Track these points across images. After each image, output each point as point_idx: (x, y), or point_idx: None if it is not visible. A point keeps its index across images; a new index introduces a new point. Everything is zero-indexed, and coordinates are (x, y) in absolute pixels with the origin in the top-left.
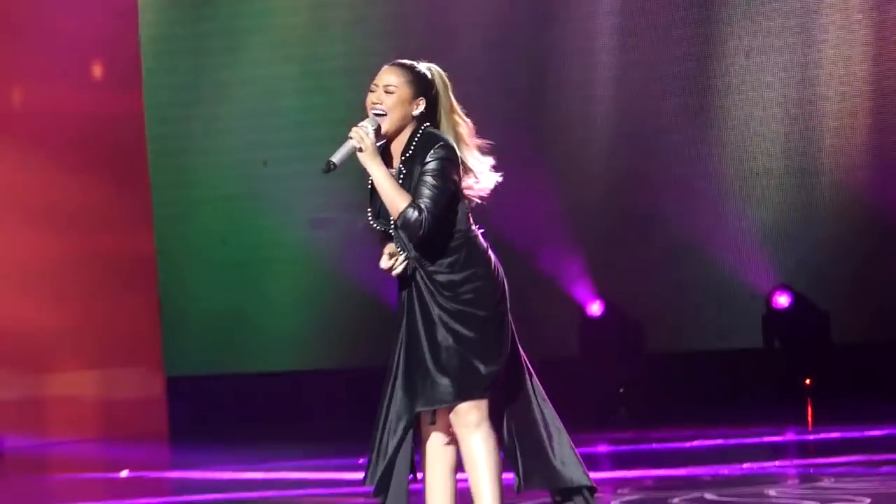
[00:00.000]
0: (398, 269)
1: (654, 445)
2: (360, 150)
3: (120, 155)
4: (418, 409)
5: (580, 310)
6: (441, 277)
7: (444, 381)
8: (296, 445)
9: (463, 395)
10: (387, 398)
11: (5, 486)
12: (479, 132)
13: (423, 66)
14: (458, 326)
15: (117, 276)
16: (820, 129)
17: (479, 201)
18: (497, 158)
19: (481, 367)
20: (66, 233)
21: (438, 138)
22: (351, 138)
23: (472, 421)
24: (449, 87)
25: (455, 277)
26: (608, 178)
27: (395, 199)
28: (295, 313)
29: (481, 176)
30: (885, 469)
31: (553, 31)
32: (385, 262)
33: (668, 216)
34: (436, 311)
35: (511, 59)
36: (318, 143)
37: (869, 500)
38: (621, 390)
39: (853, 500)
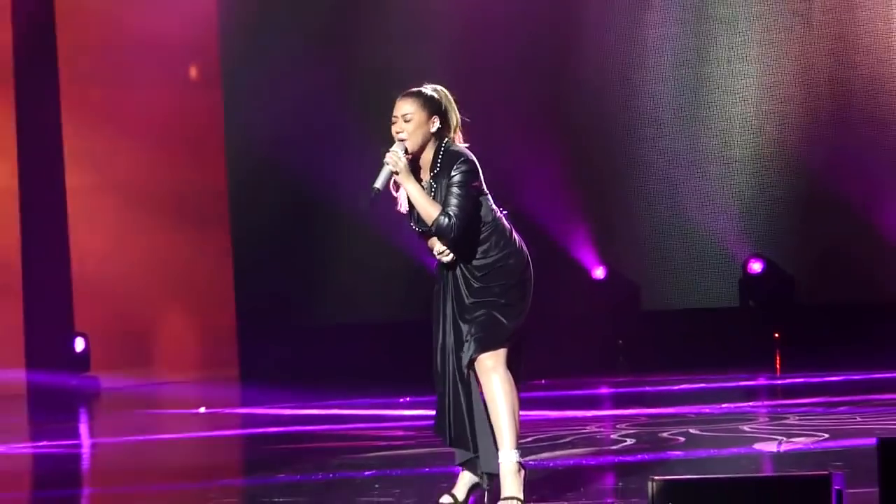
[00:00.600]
0: (449, 258)
1: (648, 388)
2: (396, 172)
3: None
4: (464, 367)
5: (586, 274)
6: (477, 262)
7: (474, 341)
8: (347, 387)
9: (487, 347)
10: (443, 374)
11: (103, 422)
12: (498, 112)
13: (429, 90)
14: (486, 294)
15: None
16: (789, 123)
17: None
18: (516, 141)
19: (504, 322)
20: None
21: (459, 154)
22: (387, 163)
23: (489, 366)
24: (453, 102)
25: (488, 261)
26: (612, 164)
27: (429, 209)
28: (350, 274)
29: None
30: (841, 409)
31: (570, 20)
32: (438, 248)
33: (661, 195)
34: (471, 288)
35: (530, 46)
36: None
37: (827, 435)
38: (620, 342)
39: (815, 435)
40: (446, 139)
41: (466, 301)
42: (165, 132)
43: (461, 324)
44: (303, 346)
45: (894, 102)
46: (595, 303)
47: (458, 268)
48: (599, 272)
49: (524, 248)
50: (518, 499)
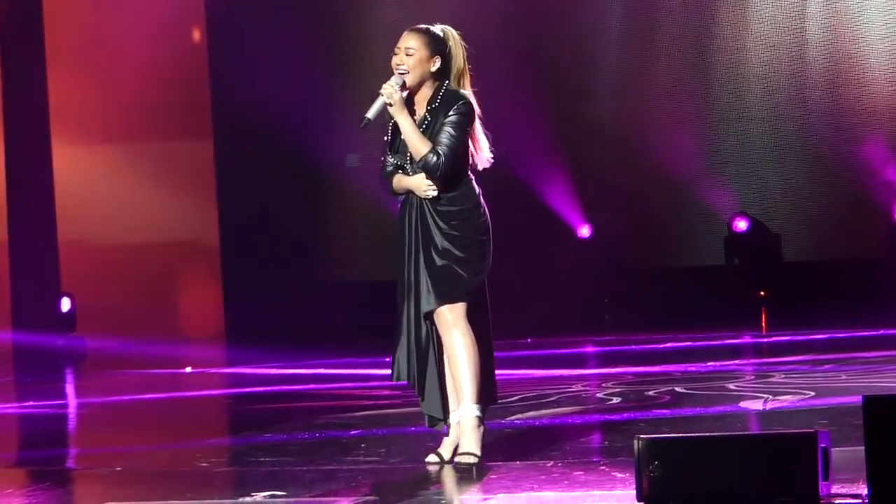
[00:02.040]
0: (434, 193)
1: (633, 347)
2: (390, 104)
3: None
4: (423, 310)
5: (572, 232)
6: (441, 208)
7: (433, 290)
8: (331, 347)
9: (446, 299)
10: (404, 309)
11: (89, 382)
12: (482, 69)
13: (437, 28)
14: (448, 245)
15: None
16: (775, 81)
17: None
18: (500, 99)
19: (463, 276)
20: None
21: (462, 96)
22: (381, 94)
23: (449, 320)
24: (461, 46)
25: (453, 209)
26: (601, 122)
27: (419, 145)
28: (336, 233)
29: (482, 149)
30: (826, 367)
31: None
32: (425, 185)
33: (649, 154)
34: (435, 235)
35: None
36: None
37: (813, 393)
38: (605, 301)
39: (800, 393)
40: (447, 81)
41: (433, 239)
42: (153, 92)
43: (423, 267)
44: (289, 305)
45: (884, 65)
46: (580, 261)
47: (424, 209)
48: (585, 231)
49: (486, 213)
50: (475, 454)
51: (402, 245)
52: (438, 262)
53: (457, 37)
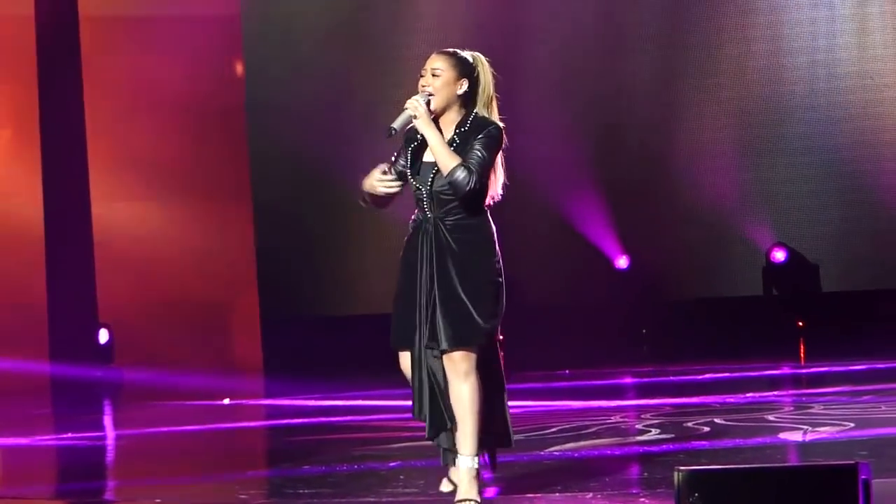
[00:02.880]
0: (386, 187)
1: (672, 378)
2: (416, 117)
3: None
4: (441, 347)
5: (609, 263)
6: (455, 235)
7: (449, 330)
8: (368, 378)
9: (460, 344)
10: (416, 340)
11: (127, 413)
12: (521, 100)
13: (466, 53)
14: (464, 282)
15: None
16: (812, 112)
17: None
18: (540, 131)
19: (478, 321)
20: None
21: (493, 122)
22: (406, 108)
23: (462, 371)
24: (490, 74)
25: (469, 238)
26: (634, 154)
27: (448, 159)
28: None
29: (497, 180)
30: (866, 398)
31: (599, 9)
32: (377, 177)
33: (686, 186)
34: (451, 268)
35: (559, 39)
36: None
37: (853, 424)
38: (644, 332)
39: (839, 424)
40: (475, 110)
41: (447, 271)
42: (189, 122)
43: (438, 303)
44: (327, 336)
45: None
46: (618, 292)
47: (439, 236)
48: (622, 262)
49: (499, 252)
50: (476, 500)
51: (413, 272)
52: (454, 300)
53: (486, 63)
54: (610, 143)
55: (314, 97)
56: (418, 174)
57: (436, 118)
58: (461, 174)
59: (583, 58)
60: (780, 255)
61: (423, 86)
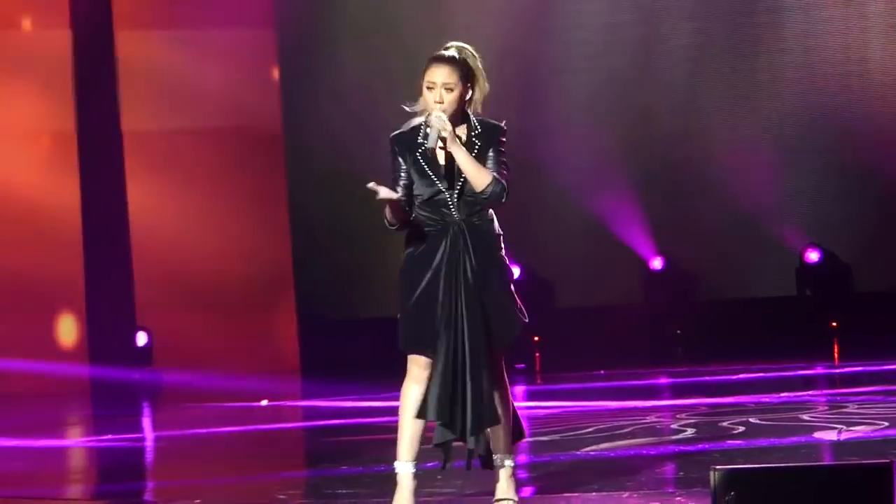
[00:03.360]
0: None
1: (706, 378)
2: (444, 137)
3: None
4: (497, 344)
5: (644, 265)
6: (483, 236)
7: (501, 327)
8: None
9: (510, 341)
10: (453, 349)
11: (166, 415)
12: (554, 103)
13: (467, 55)
14: (500, 282)
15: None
16: (845, 112)
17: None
18: (572, 134)
19: (521, 318)
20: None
21: (500, 125)
22: (433, 126)
23: (502, 368)
24: (481, 67)
25: (492, 239)
26: (668, 155)
27: (481, 175)
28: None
29: None
30: None
31: (624, 9)
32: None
33: (719, 188)
34: (488, 266)
35: (583, 37)
36: None
37: (887, 423)
38: (678, 332)
39: (873, 423)
40: (474, 105)
41: (479, 271)
42: (226, 126)
43: (476, 301)
44: (363, 337)
45: None
46: (653, 293)
47: (465, 237)
48: (657, 263)
49: None
50: (515, 500)
51: (436, 275)
52: (499, 299)
53: (477, 56)
54: (644, 145)
55: (351, 103)
56: (443, 179)
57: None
58: (497, 189)
59: (618, 60)
60: (813, 256)
61: (438, 101)
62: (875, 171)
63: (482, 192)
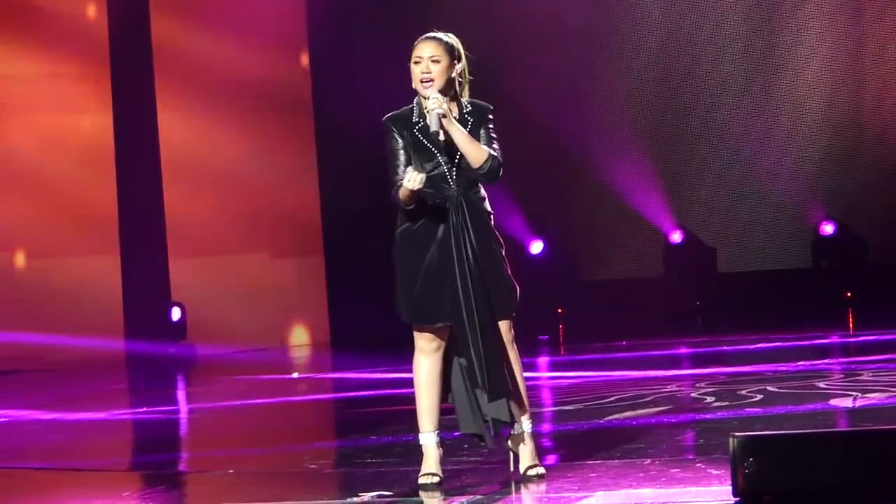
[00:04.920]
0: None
1: (725, 348)
2: (444, 115)
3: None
4: (500, 318)
5: (664, 238)
6: (480, 210)
7: (505, 297)
8: None
9: (509, 312)
10: (468, 320)
11: (200, 388)
12: (573, 82)
13: (450, 37)
14: (498, 254)
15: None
16: (860, 86)
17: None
18: (593, 110)
19: (514, 287)
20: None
21: (486, 104)
22: (431, 109)
23: (512, 336)
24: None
25: (486, 213)
26: (686, 130)
27: (478, 152)
28: None
29: None
30: None
31: None
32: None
33: (736, 160)
34: (485, 239)
35: (603, 16)
36: None
37: None
38: (698, 303)
39: (888, 390)
40: (464, 89)
41: (480, 245)
42: (257, 109)
43: (482, 273)
44: (392, 311)
45: None
46: (673, 266)
47: (464, 211)
48: (676, 236)
49: None
50: (543, 467)
51: (443, 247)
52: (499, 271)
53: (461, 45)
54: (665, 121)
55: (378, 82)
56: (443, 153)
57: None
58: (494, 164)
59: (639, 38)
60: (828, 229)
61: (425, 72)
62: (891, 145)
63: (479, 167)
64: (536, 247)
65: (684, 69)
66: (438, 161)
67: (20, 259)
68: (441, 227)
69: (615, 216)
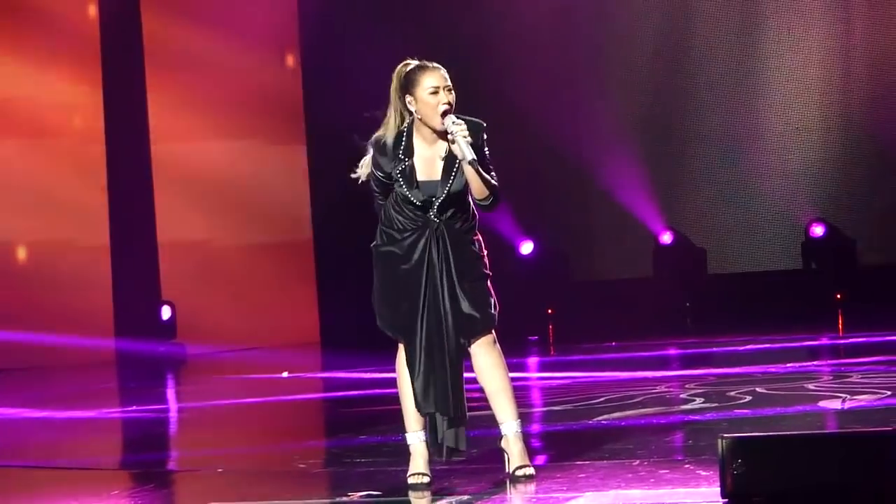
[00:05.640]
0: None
1: (715, 349)
2: (471, 141)
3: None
4: (477, 336)
5: (654, 239)
6: (462, 235)
7: (481, 313)
8: None
9: (495, 321)
10: (439, 343)
11: (189, 387)
12: (565, 82)
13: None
14: (474, 276)
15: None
16: (850, 87)
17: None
18: (582, 111)
19: (496, 305)
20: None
21: (480, 122)
22: (461, 135)
23: (494, 337)
24: None
25: (468, 238)
26: (676, 131)
27: (489, 183)
28: None
29: None
30: None
31: None
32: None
33: (725, 161)
34: (461, 262)
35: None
36: None
37: (889, 393)
38: (687, 304)
39: (877, 392)
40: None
41: (460, 266)
42: (248, 104)
43: (464, 291)
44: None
45: None
46: (663, 267)
47: (445, 236)
48: (667, 237)
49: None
50: (533, 468)
51: (417, 270)
52: (479, 292)
53: None
54: (656, 123)
55: (370, 81)
56: (417, 188)
57: (435, 129)
58: (496, 196)
59: (629, 40)
60: (818, 230)
61: (446, 102)
62: (881, 147)
63: (482, 199)
64: (527, 247)
65: (674, 70)
66: (422, 195)
67: (9, 257)
68: (416, 254)
69: (605, 217)
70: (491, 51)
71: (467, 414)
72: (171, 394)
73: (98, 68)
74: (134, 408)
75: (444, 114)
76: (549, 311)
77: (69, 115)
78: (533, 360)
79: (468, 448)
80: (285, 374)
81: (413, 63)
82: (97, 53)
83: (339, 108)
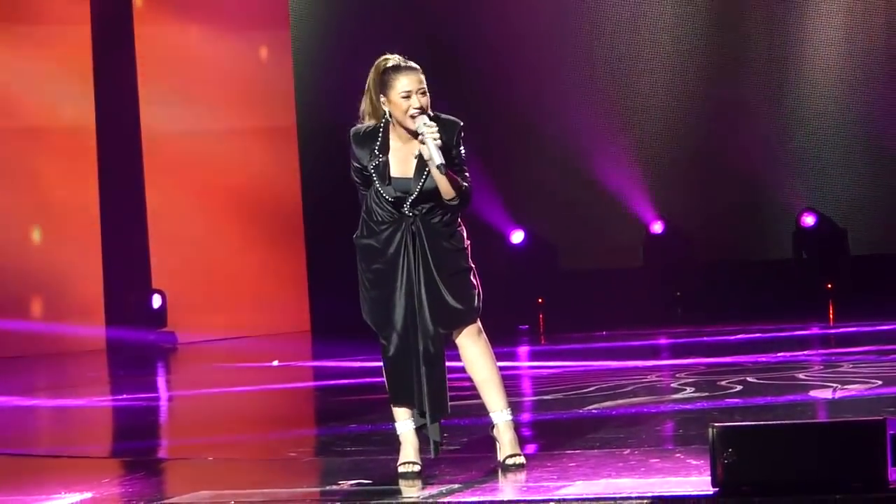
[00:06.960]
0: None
1: (706, 338)
2: (440, 146)
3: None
4: (459, 327)
5: (645, 228)
6: (434, 234)
7: (463, 305)
8: None
9: (478, 312)
10: (412, 334)
11: (180, 375)
12: (551, 75)
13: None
14: (453, 268)
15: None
16: (842, 77)
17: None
18: (572, 102)
19: (476, 285)
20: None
21: (457, 121)
22: (428, 138)
23: (480, 327)
24: None
25: (449, 231)
26: (665, 120)
27: (456, 183)
28: None
29: None
30: (892, 357)
31: None
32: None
33: (719, 153)
34: (438, 255)
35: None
36: None
37: (880, 382)
38: (678, 294)
39: (867, 382)
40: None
41: (438, 260)
42: (238, 108)
43: (444, 284)
44: None
45: None
46: (653, 256)
47: (423, 230)
48: (657, 227)
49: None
50: (524, 457)
51: (394, 266)
52: (458, 277)
53: None
54: (646, 112)
55: (360, 72)
56: (391, 184)
57: (407, 128)
58: (463, 202)
59: (619, 30)
60: (809, 220)
61: (419, 107)
62: (871, 137)
63: (450, 200)
64: (517, 236)
65: (664, 61)
66: (398, 191)
67: (1, 247)
68: (393, 246)
69: (596, 206)
70: (481, 41)
71: (449, 405)
72: (161, 382)
73: (89, 60)
74: (124, 396)
75: (416, 115)
76: (540, 300)
77: (60, 105)
78: (523, 350)
79: (442, 439)
80: (275, 363)
81: (391, 60)
82: (88, 46)
83: (331, 98)
